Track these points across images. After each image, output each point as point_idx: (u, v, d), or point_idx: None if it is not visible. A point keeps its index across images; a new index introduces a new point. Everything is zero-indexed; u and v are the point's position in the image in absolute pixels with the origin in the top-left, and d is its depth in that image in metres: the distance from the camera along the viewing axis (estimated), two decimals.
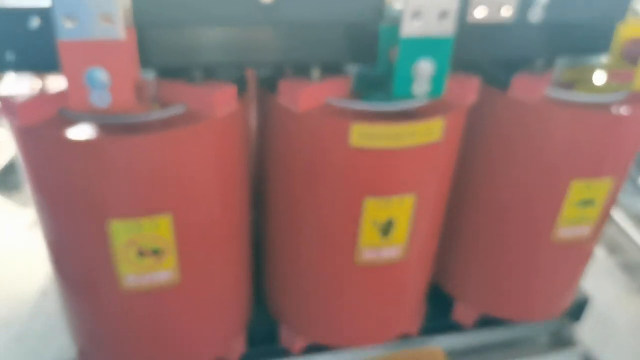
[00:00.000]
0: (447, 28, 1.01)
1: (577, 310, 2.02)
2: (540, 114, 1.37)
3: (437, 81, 1.08)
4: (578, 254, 1.63)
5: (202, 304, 1.40)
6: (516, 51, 1.24)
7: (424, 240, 1.48)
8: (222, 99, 1.14)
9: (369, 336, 1.65)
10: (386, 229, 1.36)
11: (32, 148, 1.12)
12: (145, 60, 1.08)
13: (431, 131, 1.23)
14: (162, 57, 1.10)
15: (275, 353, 1.73)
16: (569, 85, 1.42)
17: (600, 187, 1.46)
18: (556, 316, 1.85)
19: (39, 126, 1.08)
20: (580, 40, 1.28)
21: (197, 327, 1.45)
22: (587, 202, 1.49)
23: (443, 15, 0.99)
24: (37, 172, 1.15)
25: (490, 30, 1.18)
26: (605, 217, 1.61)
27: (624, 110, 1.34)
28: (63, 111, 1.11)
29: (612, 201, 1.59)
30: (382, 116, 1.22)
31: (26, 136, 1.11)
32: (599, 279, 2.71)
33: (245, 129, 1.33)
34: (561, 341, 1.88)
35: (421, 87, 1.07)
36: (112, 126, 1.09)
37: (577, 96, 1.38)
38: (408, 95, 1.09)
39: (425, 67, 1.04)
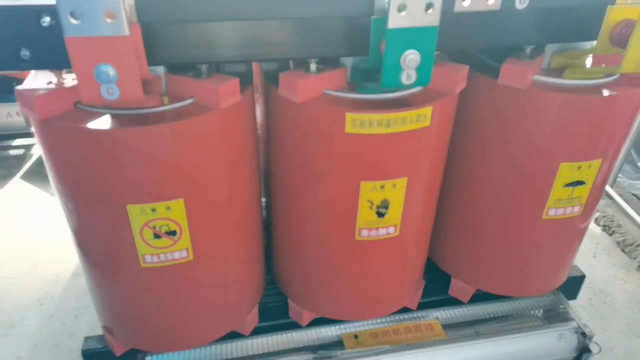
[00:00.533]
0: (432, 19, 1.08)
1: (573, 287, 2.10)
2: (528, 99, 1.43)
3: (423, 70, 1.16)
4: (569, 232, 1.70)
5: (214, 280, 1.52)
6: (503, 39, 1.30)
7: (418, 219, 1.57)
8: (226, 92, 1.24)
9: (370, 310, 1.76)
10: (382, 209, 1.45)
11: (51, 139, 1.23)
12: (154, 56, 1.19)
13: (421, 118, 1.32)
14: (170, 53, 1.20)
15: (286, 326, 1.85)
16: (560, 70, 1.48)
17: (589, 169, 1.53)
18: (549, 291, 1.93)
19: (56, 118, 1.18)
20: (568, 26, 1.33)
21: (212, 301, 1.57)
22: (576, 183, 1.55)
23: (429, 6, 1.07)
24: (57, 162, 1.27)
25: (478, 18, 1.24)
26: (597, 196, 1.67)
27: (609, 93, 1.40)
28: (79, 104, 1.22)
29: (603, 181, 1.65)
30: (375, 105, 1.30)
31: (45, 128, 1.22)
32: (599, 257, 2.77)
33: (251, 119, 1.42)
34: (557, 317, 1.96)
35: (409, 76, 1.15)
36: (125, 117, 1.20)
37: (564, 81, 1.44)
38: (397, 84, 1.17)
39: (411, 58, 1.11)
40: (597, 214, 3.16)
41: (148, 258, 1.38)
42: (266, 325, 1.85)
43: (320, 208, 1.50)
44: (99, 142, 1.18)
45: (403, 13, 1.06)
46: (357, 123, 1.29)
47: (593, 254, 2.87)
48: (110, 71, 1.00)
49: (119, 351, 1.68)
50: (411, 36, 1.10)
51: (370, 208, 1.45)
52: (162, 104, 1.26)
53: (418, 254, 1.71)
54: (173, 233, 1.35)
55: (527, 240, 1.70)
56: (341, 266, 1.61)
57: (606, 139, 1.49)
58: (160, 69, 1.30)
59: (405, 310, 1.91)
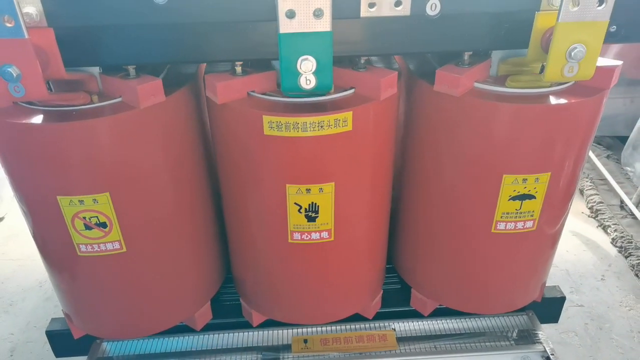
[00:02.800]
0: (324, 24, 1.08)
1: (552, 308, 1.97)
2: (464, 107, 1.38)
3: (322, 75, 1.15)
4: (525, 248, 1.61)
5: (149, 273, 1.58)
6: (419, 45, 1.26)
7: (357, 226, 1.55)
8: (146, 92, 1.29)
9: (313, 314, 1.75)
10: (311, 213, 1.45)
11: None
12: (86, 57, 1.27)
13: (340, 123, 1.30)
14: (94, 55, 1.27)
15: (240, 325, 1.88)
16: (504, 78, 1.41)
17: (537, 183, 1.44)
18: (514, 310, 1.82)
19: None
20: (494, 32, 1.27)
21: (150, 294, 1.63)
22: (523, 197, 1.47)
23: (319, 12, 1.06)
24: (2, 154, 1.37)
25: (392, 23, 1.22)
26: (556, 212, 1.57)
27: (549, 103, 1.32)
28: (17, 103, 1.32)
29: (564, 196, 1.55)
30: (295, 108, 1.31)
31: None
32: (608, 280, 2.58)
33: (182, 118, 1.46)
34: (525, 339, 1.85)
35: (307, 81, 1.15)
36: (53, 114, 1.28)
37: (505, 89, 1.37)
38: (297, 89, 1.17)
39: (306, 63, 1.11)
40: (614, 234, 2.93)
41: (83, 247, 1.46)
42: (221, 322, 1.89)
43: (254, 209, 1.52)
44: (26, 136, 1.27)
45: (292, 19, 1.07)
46: (273, 125, 1.30)
47: (602, 277, 2.67)
48: (14, 71, 1.08)
49: (76, 335, 1.78)
50: (304, 41, 1.10)
51: (299, 211, 1.45)
52: (92, 102, 1.34)
53: (364, 261, 1.68)
54: (103, 225, 1.42)
55: (479, 254, 1.63)
56: (277, 269, 1.62)
57: (553, 152, 1.40)
58: (95, 70, 1.38)
59: (362, 318, 1.88)
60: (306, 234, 1.49)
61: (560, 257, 2.78)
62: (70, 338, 1.80)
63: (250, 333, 1.88)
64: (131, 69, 1.33)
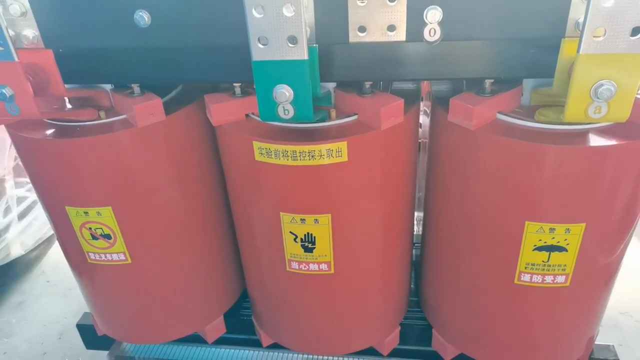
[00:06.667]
0: (298, 52, 0.99)
1: None
2: (476, 141, 1.21)
3: (301, 105, 1.06)
4: (556, 305, 1.38)
5: (157, 284, 1.60)
6: (418, 73, 1.12)
7: (360, 259, 1.44)
8: (145, 111, 1.29)
9: (319, 345, 1.66)
10: (307, 244, 1.37)
11: (15, 144, 1.42)
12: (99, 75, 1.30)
13: (333, 153, 1.20)
14: (103, 73, 1.29)
15: (255, 343, 1.86)
16: (536, 109, 1.22)
17: (568, 234, 1.22)
18: None
19: (17, 127, 1.37)
20: (519, 60, 1.09)
21: (159, 304, 1.65)
22: (551, 248, 1.26)
23: (292, 40, 0.98)
24: (24, 162, 1.46)
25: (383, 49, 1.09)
26: (600, 269, 1.33)
27: (582, 144, 1.10)
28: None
29: (607, 252, 1.31)
30: (290, 134, 1.23)
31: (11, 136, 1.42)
32: None
33: (186, 136, 1.44)
34: None
35: (286, 111, 1.07)
36: (62, 129, 1.33)
37: (533, 124, 1.18)
38: (275, 119, 1.09)
39: (281, 92, 1.03)
40: None
41: (92, 255, 1.51)
42: (235, 337, 1.88)
43: (254, 232, 1.47)
44: (32, 149, 1.34)
45: (265, 46, 0.99)
46: (263, 152, 1.24)
47: None
48: (7, 92, 1.13)
49: (99, 332, 1.87)
50: (279, 69, 1.02)
51: (295, 240, 1.37)
52: (99, 118, 1.37)
53: (372, 295, 1.56)
54: (108, 237, 1.46)
55: (502, 305, 1.43)
56: (280, 295, 1.56)
57: (587, 201, 1.18)
58: (107, 87, 1.41)
59: (377, 353, 1.76)
60: (304, 264, 1.42)
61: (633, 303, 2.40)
62: (96, 333, 1.90)
63: (261, 352, 1.85)
64: (136, 87, 1.34)
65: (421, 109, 1.59)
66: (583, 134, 1.14)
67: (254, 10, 0.95)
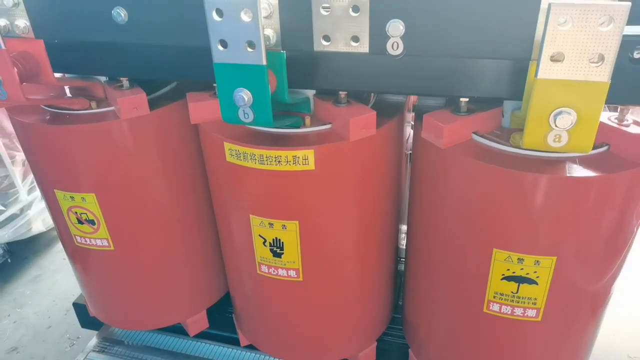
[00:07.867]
0: (256, 57, 0.99)
1: None
2: (445, 161, 1.17)
3: (260, 110, 1.06)
4: (533, 338, 1.31)
5: (137, 273, 1.65)
6: (379, 86, 1.09)
7: (330, 269, 1.42)
8: (129, 105, 1.33)
9: (291, 352, 1.65)
10: (275, 248, 1.37)
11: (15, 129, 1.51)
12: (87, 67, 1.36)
13: (299, 160, 1.20)
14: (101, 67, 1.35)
15: (235, 341, 1.87)
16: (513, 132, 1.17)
17: (537, 266, 1.16)
18: None
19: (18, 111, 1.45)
20: (486, 80, 1.04)
21: (140, 293, 1.70)
22: (520, 279, 1.20)
23: (251, 44, 0.98)
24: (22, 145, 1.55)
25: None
26: (574, 305, 1.26)
27: (547, 173, 1.04)
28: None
29: (584, 287, 1.23)
30: (261, 138, 1.24)
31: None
32: None
33: (172, 130, 1.48)
34: None
35: (246, 114, 1.07)
36: (55, 116, 1.40)
37: (504, 147, 1.13)
38: (236, 121, 1.10)
39: (240, 95, 1.03)
40: None
41: (78, 239, 1.58)
42: (216, 333, 1.91)
43: (230, 232, 1.49)
44: (23, 132, 1.42)
45: (225, 49, 1.00)
46: (234, 153, 1.25)
47: None
48: None
49: (90, 313, 1.95)
50: (238, 73, 1.03)
51: (264, 244, 1.38)
52: (90, 108, 1.43)
53: (343, 307, 1.53)
54: (92, 222, 1.52)
55: (473, 333, 1.37)
56: (252, 297, 1.57)
57: (558, 234, 1.11)
58: (102, 79, 1.47)
59: None
60: (273, 268, 1.42)
61: None
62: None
63: (239, 352, 1.86)
64: (125, 81, 1.39)
65: (410, 121, 1.56)
66: (557, 162, 1.08)
67: (213, 13, 0.96)
